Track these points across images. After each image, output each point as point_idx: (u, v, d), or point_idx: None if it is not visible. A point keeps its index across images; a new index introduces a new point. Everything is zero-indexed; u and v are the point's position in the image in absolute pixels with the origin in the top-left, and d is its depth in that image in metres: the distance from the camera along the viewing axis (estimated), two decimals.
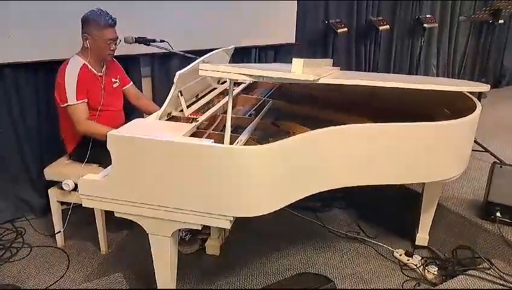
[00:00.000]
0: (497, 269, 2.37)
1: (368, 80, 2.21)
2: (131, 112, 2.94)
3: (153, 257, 1.99)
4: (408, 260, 2.60)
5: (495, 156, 3.62)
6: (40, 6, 2.72)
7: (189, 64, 2.09)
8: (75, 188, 2.44)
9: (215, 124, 2.28)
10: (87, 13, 2.47)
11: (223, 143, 1.79)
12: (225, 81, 2.83)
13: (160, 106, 2.08)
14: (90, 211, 2.51)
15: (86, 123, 2.49)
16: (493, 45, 5.92)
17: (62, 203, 2.65)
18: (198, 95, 2.51)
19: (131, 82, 2.91)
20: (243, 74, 1.76)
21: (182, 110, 2.17)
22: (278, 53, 4.16)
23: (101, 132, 2.41)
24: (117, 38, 2.55)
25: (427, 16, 5.04)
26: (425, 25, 4.90)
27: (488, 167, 2.84)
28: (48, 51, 2.80)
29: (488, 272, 2.36)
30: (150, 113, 2.60)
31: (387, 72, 5.07)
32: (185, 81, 2.15)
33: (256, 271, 2.54)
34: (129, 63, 3.21)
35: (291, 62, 1.85)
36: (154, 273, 2.03)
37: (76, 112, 2.47)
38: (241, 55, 3.81)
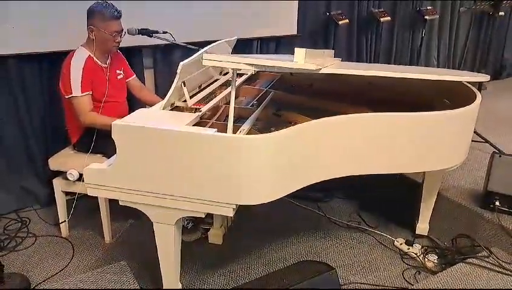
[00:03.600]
0: (496, 257, 2.40)
1: (369, 70, 2.23)
2: (135, 104, 2.97)
3: (157, 245, 2.02)
4: (408, 249, 2.63)
5: (495, 147, 3.64)
6: None
7: (191, 55, 2.11)
8: (80, 178, 2.47)
9: (217, 114, 2.31)
10: (93, 5, 2.49)
11: (225, 132, 1.82)
12: (227, 73, 2.85)
13: (163, 97, 2.11)
14: (95, 201, 2.54)
15: (90, 115, 2.51)
16: (494, 37, 5.93)
17: (67, 193, 2.68)
18: (201, 85, 2.53)
19: (135, 75, 2.94)
20: (246, 64, 1.78)
21: (185, 101, 2.19)
22: (280, 45, 4.17)
23: (105, 122, 2.43)
24: (122, 30, 2.56)
25: (428, 7, 5.04)
26: (426, 16, 4.89)
27: (488, 157, 2.87)
28: (53, 42, 2.82)
29: (487, 260, 2.39)
30: (152, 105, 2.63)
31: (388, 64, 5.08)
32: (188, 72, 2.17)
33: (258, 260, 2.58)
34: (132, 55, 3.23)
35: (293, 53, 1.87)
36: (158, 261, 2.06)
37: (80, 104, 2.49)
38: (242, 47, 3.82)
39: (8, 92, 2.86)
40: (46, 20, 2.79)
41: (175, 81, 2.05)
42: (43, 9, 2.76)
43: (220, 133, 1.76)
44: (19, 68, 2.84)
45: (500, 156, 2.68)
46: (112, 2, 2.54)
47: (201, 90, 2.47)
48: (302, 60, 1.83)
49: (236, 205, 1.82)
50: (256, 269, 2.50)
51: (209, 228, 2.71)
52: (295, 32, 4.15)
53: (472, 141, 2.50)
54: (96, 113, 2.54)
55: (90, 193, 1.93)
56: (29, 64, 2.87)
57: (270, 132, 1.81)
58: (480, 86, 3.52)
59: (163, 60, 3.48)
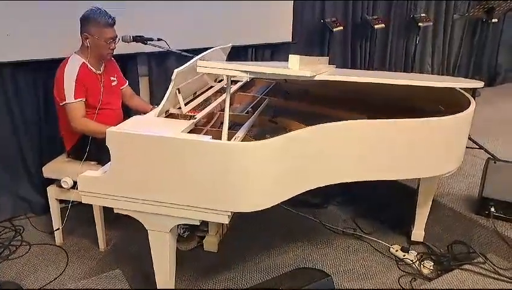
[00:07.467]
0: (492, 263, 2.41)
1: (363, 77, 2.24)
2: (130, 111, 2.96)
3: (152, 252, 2.00)
4: (404, 255, 2.62)
5: (489, 153, 3.66)
6: (39, 4, 2.74)
7: (186, 62, 2.11)
8: (74, 186, 2.45)
9: (212, 121, 2.31)
10: (87, 12, 2.49)
11: (220, 139, 1.82)
12: (222, 80, 2.85)
13: (158, 105, 2.10)
14: (89, 209, 2.53)
15: (82, 121, 2.50)
16: (487, 43, 5.97)
17: (61, 201, 2.66)
18: (195, 92, 2.53)
19: (127, 82, 2.93)
20: (240, 70, 1.78)
21: (179, 108, 2.19)
22: (275, 52, 4.19)
23: (96, 129, 2.44)
24: (116, 37, 2.56)
25: (422, 14, 5.08)
26: (420, 23, 4.93)
27: (483, 164, 2.88)
28: (47, 50, 2.81)
29: (483, 266, 2.41)
30: (143, 112, 2.62)
31: (383, 70, 5.10)
32: (182, 79, 2.17)
33: (254, 267, 2.56)
34: (126, 62, 3.23)
35: (287, 60, 1.87)
36: (153, 269, 2.05)
37: (72, 110, 2.47)
38: (237, 54, 3.83)
39: (3, 99, 2.85)
40: (41, 28, 2.79)
41: (169, 88, 2.05)
42: (37, 17, 2.76)
43: (214, 140, 1.76)
44: (13, 76, 2.83)
45: (495, 162, 2.70)
46: (105, 8, 2.53)
47: (196, 97, 2.47)
48: (296, 66, 1.83)
49: (231, 212, 1.81)
50: (252, 277, 2.49)
51: (205, 236, 2.70)
52: (290, 40, 4.16)
53: (467, 147, 2.51)
54: (88, 119, 2.52)
55: (85, 200, 1.92)
56: (24, 72, 2.86)
57: (265, 139, 1.81)
58: (474, 92, 3.54)
59: (158, 67, 3.48)
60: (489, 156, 3.53)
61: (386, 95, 2.64)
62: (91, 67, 2.56)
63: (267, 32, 4.00)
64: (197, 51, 2.59)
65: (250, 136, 2.15)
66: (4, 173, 2.99)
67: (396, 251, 2.68)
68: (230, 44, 2.92)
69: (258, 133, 2.25)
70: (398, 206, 3.09)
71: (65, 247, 2.73)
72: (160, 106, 2.06)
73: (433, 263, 2.53)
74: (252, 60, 4.03)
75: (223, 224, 2.71)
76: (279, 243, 2.78)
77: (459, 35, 5.93)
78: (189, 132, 1.93)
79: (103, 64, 2.67)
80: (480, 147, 3.76)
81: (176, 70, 2.01)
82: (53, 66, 2.61)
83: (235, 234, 2.84)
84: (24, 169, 3.03)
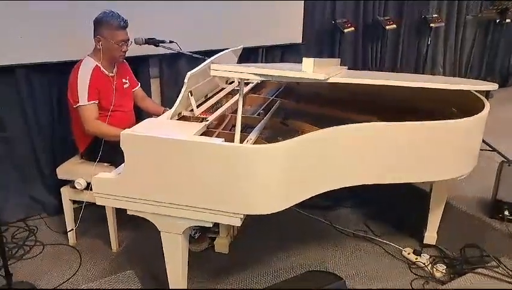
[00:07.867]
0: (506, 267, 2.39)
1: (376, 79, 2.23)
2: (142, 113, 2.98)
3: (165, 254, 2.01)
4: (416, 258, 2.61)
5: (503, 156, 3.62)
6: (52, 7, 2.77)
7: (197, 64, 2.12)
8: (87, 187, 2.47)
9: (224, 124, 2.31)
10: (99, 15, 2.50)
11: (233, 142, 1.83)
12: (233, 82, 2.86)
13: (169, 107, 2.11)
14: (101, 210, 2.54)
15: (95, 123, 2.51)
16: (500, 44, 5.92)
17: (74, 201, 2.69)
18: (207, 95, 2.54)
19: (139, 84, 2.94)
20: (255, 74, 1.78)
21: (192, 110, 2.20)
22: (285, 53, 4.19)
23: (108, 132, 2.46)
24: (128, 39, 2.57)
25: (434, 15, 5.05)
26: (431, 24, 4.91)
27: (496, 166, 2.85)
28: (60, 52, 2.85)
29: (496, 270, 2.39)
30: (155, 114, 2.63)
31: (394, 72, 5.08)
32: (195, 82, 2.18)
33: (265, 269, 2.56)
34: (138, 64, 3.24)
35: (299, 62, 1.87)
36: (165, 270, 2.06)
37: (85, 112, 2.49)
38: (248, 55, 3.83)
39: (17, 100, 2.87)
40: (54, 30, 2.82)
41: (182, 90, 2.05)
42: (50, 20, 2.79)
43: (227, 143, 1.76)
44: (27, 78, 2.85)
45: (509, 165, 2.68)
46: (118, 11, 2.55)
47: (208, 99, 2.47)
48: (310, 69, 1.83)
49: (244, 214, 1.82)
50: (263, 279, 2.49)
51: (215, 237, 2.71)
52: (300, 41, 4.16)
53: (480, 149, 2.48)
54: (101, 122, 2.54)
55: (99, 202, 1.93)
56: (37, 74, 2.89)
57: (277, 141, 1.81)
58: (487, 94, 3.51)
59: (169, 69, 3.49)
60: (503, 158, 3.50)
61: (398, 97, 2.62)
62: (104, 70, 2.58)
63: (277, 33, 4.01)
64: (208, 53, 2.59)
65: (262, 139, 2.15)
66: (18, 174, 3.01)
67: (409, 254, 2.66)
68: (242, 46, 2.92)
69: (270, 135, 2.25)
70: (409, 209, 3.07)
71: (78, 247, 2.75)
72: (173, 108, 2.07)
73: (445, 267, 2.51)
74: (262, 61, 4.03)
75: (233, 226, 2.72)
76: (290, 245, 2.78)
77: (471, 36, 5.89)
78: (201, 134, 1.94)
79: (115, 67, 2.69)
80: (494, 150, 3.73)
81: (188, 73, 2.02)
82: (66, 67, 2.63)
83: (246, 235, 2.84)
84: (37, 170, 3.06)
